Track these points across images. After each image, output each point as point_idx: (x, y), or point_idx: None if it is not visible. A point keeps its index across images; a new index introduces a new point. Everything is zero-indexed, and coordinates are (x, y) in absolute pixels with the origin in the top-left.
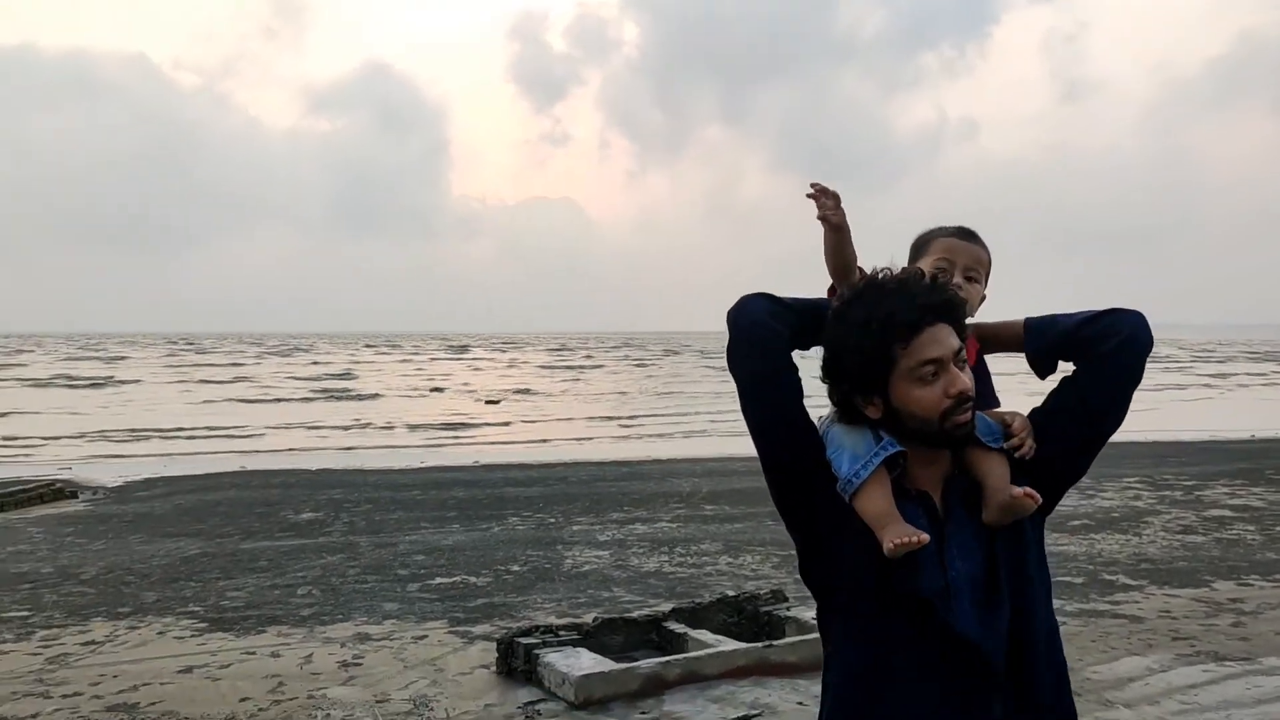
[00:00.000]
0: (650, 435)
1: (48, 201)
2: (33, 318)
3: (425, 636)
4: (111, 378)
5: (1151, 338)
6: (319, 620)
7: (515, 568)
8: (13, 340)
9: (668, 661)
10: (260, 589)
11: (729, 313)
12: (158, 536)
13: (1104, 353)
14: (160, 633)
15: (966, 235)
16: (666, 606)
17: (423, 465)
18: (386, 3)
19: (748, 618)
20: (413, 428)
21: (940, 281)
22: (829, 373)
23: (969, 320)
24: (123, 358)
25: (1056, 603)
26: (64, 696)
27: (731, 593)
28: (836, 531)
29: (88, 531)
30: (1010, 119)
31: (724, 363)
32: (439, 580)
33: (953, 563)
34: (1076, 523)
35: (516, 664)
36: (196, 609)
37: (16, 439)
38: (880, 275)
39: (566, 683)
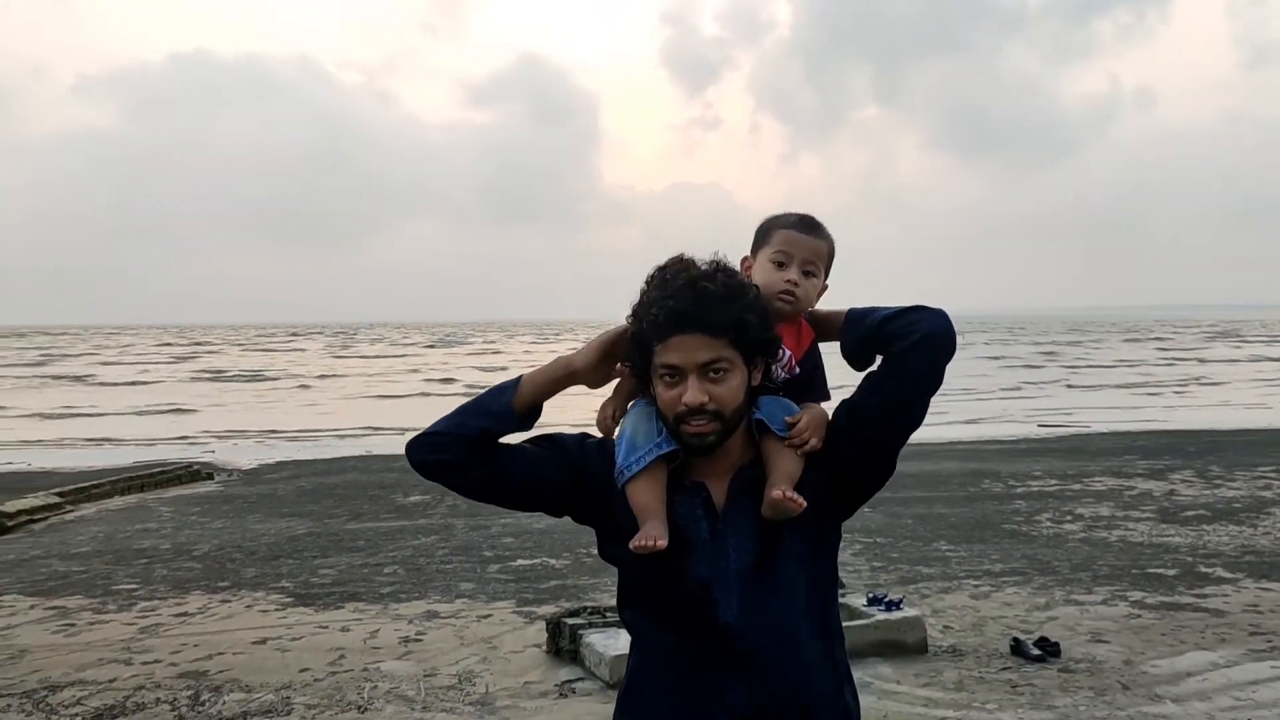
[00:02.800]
0: None
1: (221, 197)
2: (206, 310)
3: (490, 616)
4: (285, 370)
5: (954, 338)
6: (395, 598)
7: (596, 551)
8: (195, 331)
9: None
10: (351, 567)
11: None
12: (273, 517)
13: (900, 351)
14: (248, 606)
15: (807, 227)
16: None
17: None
18: None
19: None
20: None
21: (706, 288)
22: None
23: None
24: (299, 349)
25: (1137, 594)
26: (143, 663)
27: None
28: (616, 520)
29: (211, 511)
30: (1190, 87)
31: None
32: (519, 562)
33: (725, 554)
34: (1190, 513)
35: (563, 644)
36: (287, 585)
37: (189, 428)
38: (668, 269)
39: (602, 662)
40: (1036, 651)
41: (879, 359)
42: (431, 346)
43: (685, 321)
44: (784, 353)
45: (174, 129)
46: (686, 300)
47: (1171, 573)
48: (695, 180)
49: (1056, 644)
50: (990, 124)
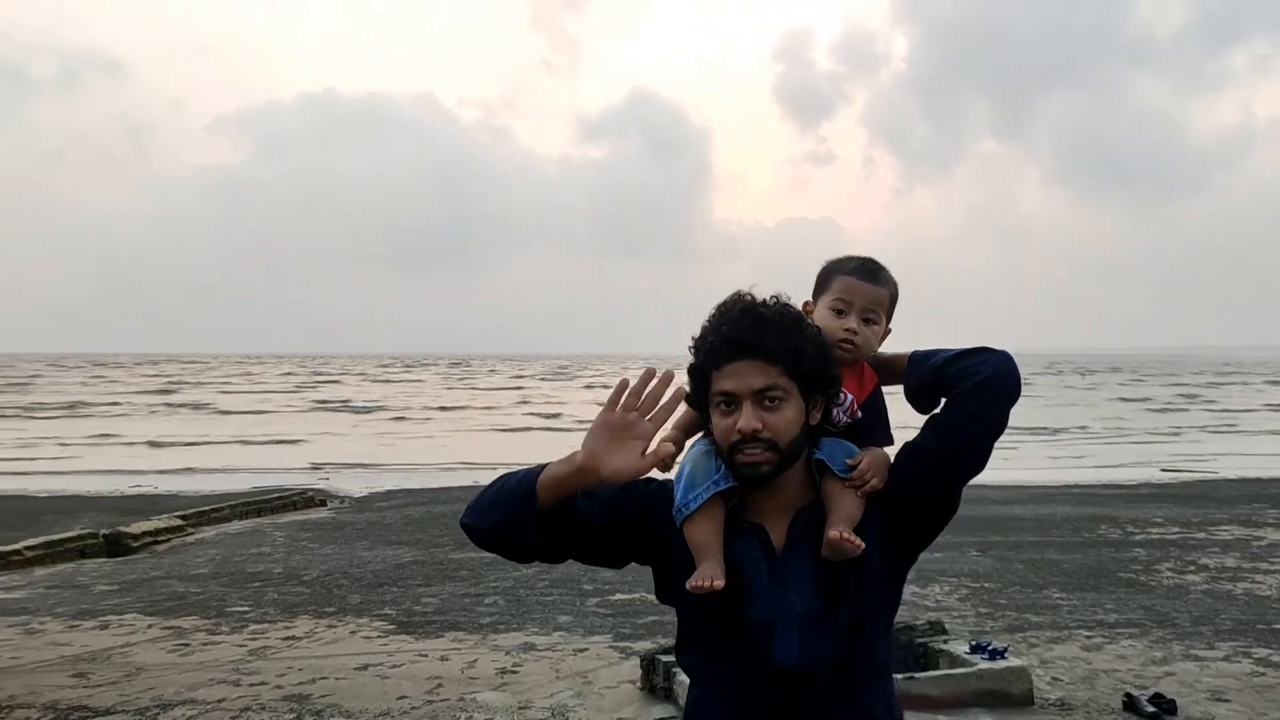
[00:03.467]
0: None
1: (344, 230)
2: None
3: (586, 650)
4: (401, 401)
5: (1018, 380)
6: (494, 629)
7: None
8: (315, 361)
9: None
10: (453, 597)
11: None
12: (380, 544)
13: (962, 393)
14: (352, 632)
15: (867, 274)
16: None
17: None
18: (655, 30)
19: (901, 647)
20: None
21: (761, 314)
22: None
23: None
24: (417, 380)
25: (1262, 651)
26: (250, 685)
27: None
28: (674, 560)
29: (321, 537)
30: None
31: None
32: (618, 596)
33: (785, 595)
34: None
35: (657, 681)
36: (390, 612)
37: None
38: (726, 301)
39: None
40: (1151, 709)
41: (943, 401)
42: (544, 379)
43: (740, 348)
44: (845, 396)
45: (301, 165)
46: (743, 326)
47: None
48: (807, 215)
49: (1173, 701)
50: (1116, 158)
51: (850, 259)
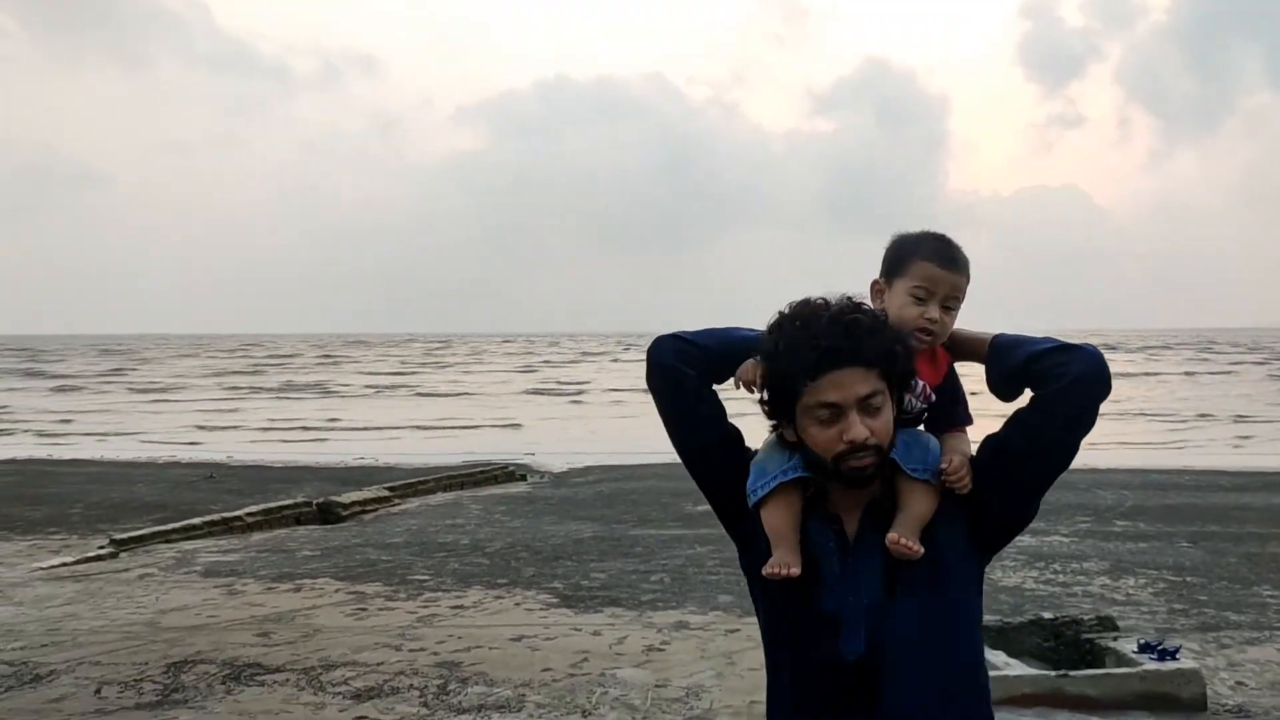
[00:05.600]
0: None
1: (578, 211)
2: (563, 318)
3: (738, 630)
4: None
5: (1108, 379)
6: (654, 606)
7: None
8: (543, 340)
9: None
10: (622, 572)
11: (646, 353)
12: (567, 519)
13: (1053, 392)
14: (517, 604)
15: (950, 263)
16: None
17: None
18: None
19: (1066, 643)
20: None
21: (857, 320)
22: (769, 410)
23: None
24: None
25: None
26: (410, 650)
27: (1048, 615)
28: (754, 535)
29: (513, 510)
30: None
31: None
32: None
33: (853, 588)
34: None
35: None
36: (558, 585)
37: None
38: (802, 307)
39: None
40: None
41: (1027, 392)
42: None
43: (841, 357)
44: (917, 382)
45: (537, 150)
46: (838, 336)
47: None
48: (1047, 183)
49: None
50: None
51: (927, 238)
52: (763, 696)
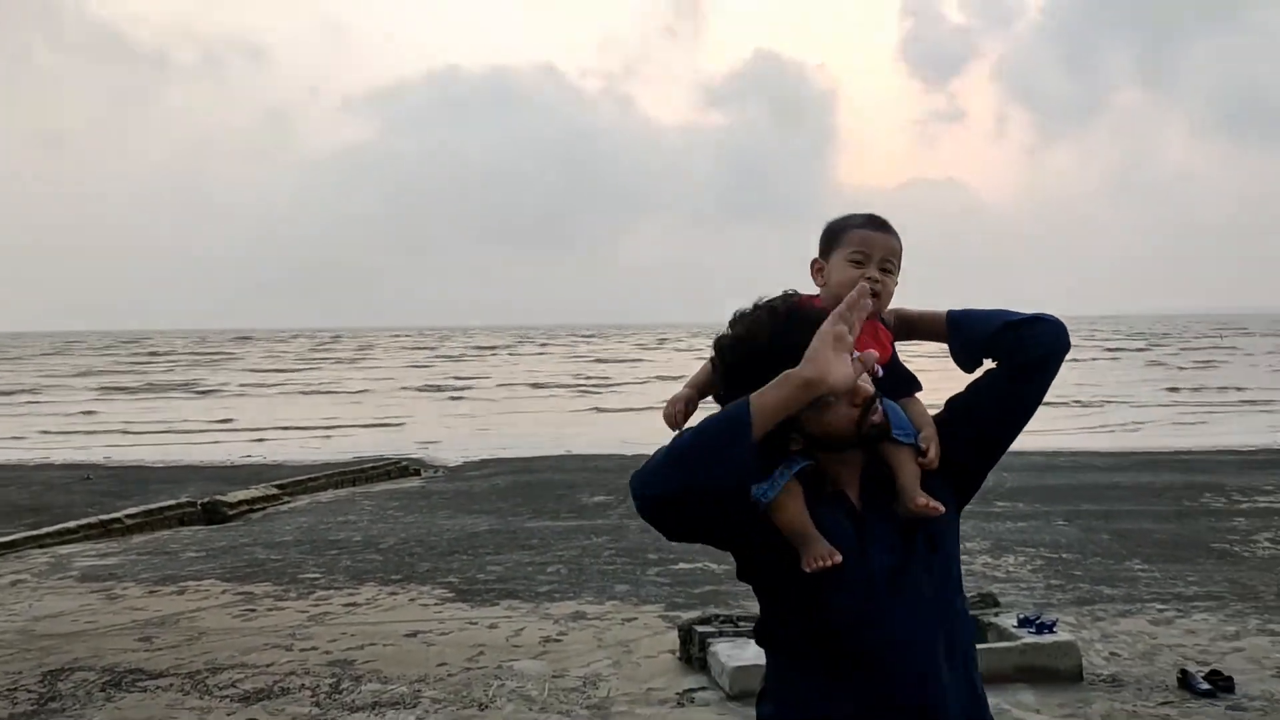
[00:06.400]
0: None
1: (475, 204)
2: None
3: (634, 619)
4: (512, 373)
5: (1067, 348)
6: (550, 597)
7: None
8: (435, 334)
9: None
10: (518, 565)
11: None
12: (462, 513)
13: (1025, 363)
14: (412, 599)
15: (879, 225)
16: None
17: None
18: None
19: None
20: None
21: (793, 310)
22: None
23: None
24: (536, 354)
25: None
26: (301, 650)
27: None
28: (764, 543)
29: (407, 506)
30: None
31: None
32: (680, 565)
33: (874, 556)
34: None
35: (694, 651)
36: (454, 580)
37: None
38: (761, 314)
39: (724, 673)
40: (1205, 686)
41: (985, 363)
42: (646, 345)
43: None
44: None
45: (429, 141)
46: (811, 328)
47: None
48: (931, 176)
49: (1230, 678)
50: (1272, 103)
51: (857, 215)
52: (660, 684)
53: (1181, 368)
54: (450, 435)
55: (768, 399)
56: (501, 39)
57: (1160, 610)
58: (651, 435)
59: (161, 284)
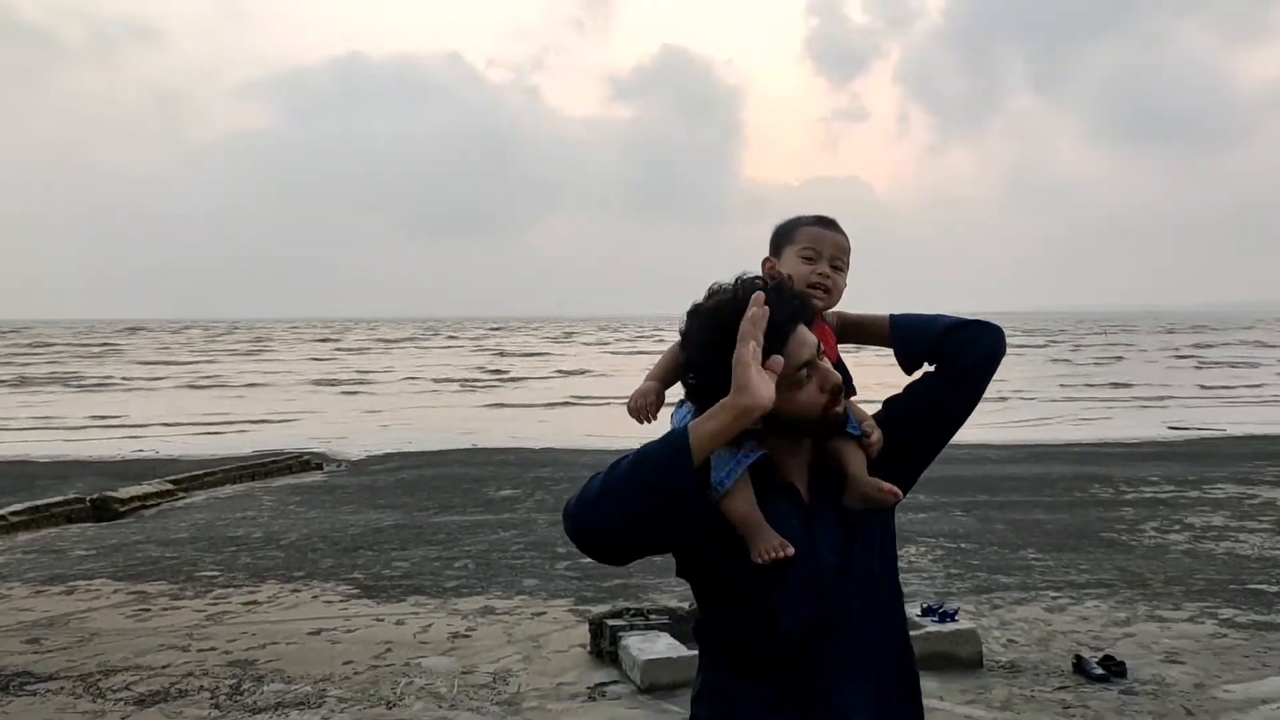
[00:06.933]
0: None
1: (380, 194)
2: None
3: (544, 614)
4: (421, 365)
5: (1005, 349)
6: (458, 593)
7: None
8: (338, 325)
9: None
10: (425, 560)
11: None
12: (366, 508)
13: (966, 365)
14: (315, 596)
15: (829, 224)
16: None
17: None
18: None
19: None
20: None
21: (780, 285)
22: (704, 399)
23: (833, 309)
24: (445, 347)
25: (1229, 612)
26: (199, 650)
27: None
28: (706, 537)
29: (310, 501)
30: None
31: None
32: (589, 560)
33: (822, 549)
34: None
35: (604, 645)
36: (359, 576)
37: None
38: (720, 296)
39: (635, 666)
40: (1099, 670)
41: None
42: (553, 339)
43: (794, 316)
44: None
45: (332, 129)
46: (795, 301)
47: (1274, 589)
48: (833, 174)
49: (1122, 663)
50: (1157, 110)
51: (807, 215)
52: (570, 678)
53: (1080, 364)
54: (353, 429)
55: (707, 428)
56: (406, 26)
57: (1054, 598)
58: (557, 431)
59: (46, 272)
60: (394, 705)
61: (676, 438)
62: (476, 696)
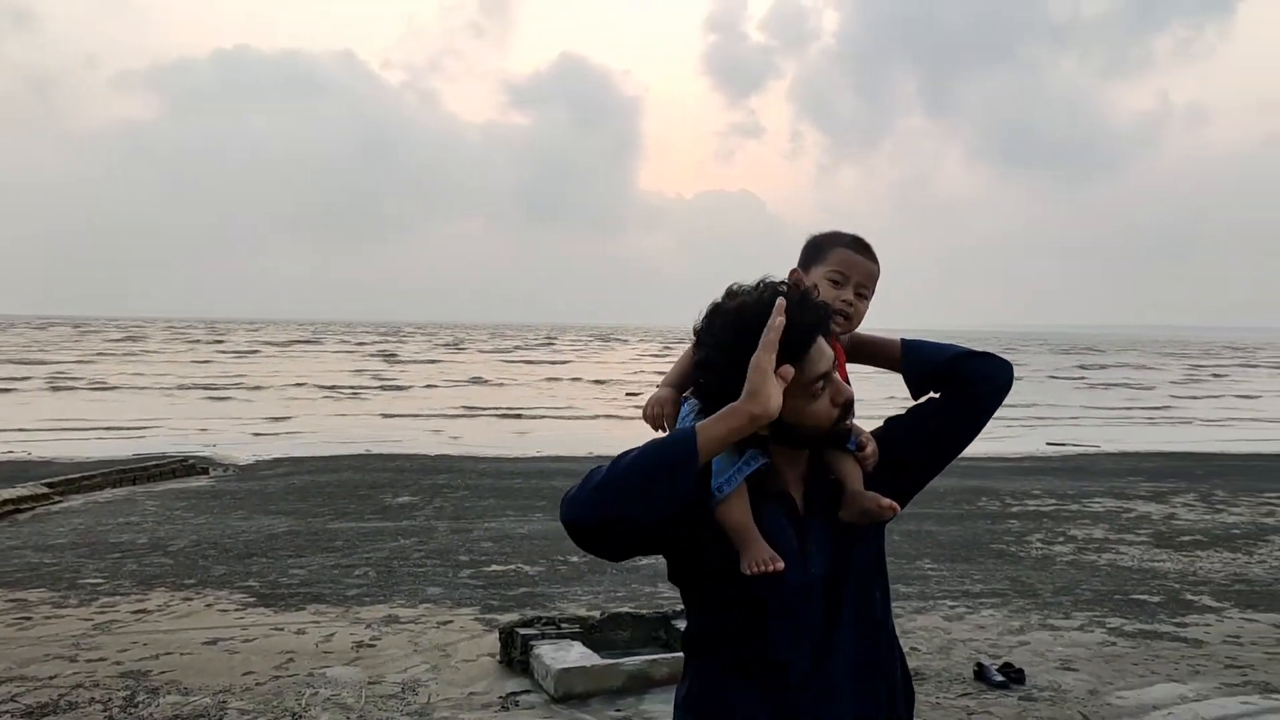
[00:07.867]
0: None
1: (268, 192)
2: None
3: (450, 622)
4: (312, 370)
5: (1012, 381)
6: (359, 601)
7: (574, 559)
8: (221, 325)
9: (655, 660)
10: (323, 568)
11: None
12: (257, 514)
13: (975, 394)
14: (209, 605)
15: (863, 249)
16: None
17: (538, 455)
18: None
19: None
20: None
21: (805, 293)
22: (714, 398)
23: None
24: (338, 351)
25: (1116, 621)
26: (88, 661)
27: None
28: (702, 541)
29: (197, 506)
30: (1247, 107)
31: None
32: (493, 567)
33: (812, 560)
34: (1186, 538)
35: (515, 654)
36: (254, 584)
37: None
38: (743, 298)
39: (549, 675)
40: (999, 678)
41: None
42: (446, 346)
43: (814, 329)
44: None
45: (217, 123)
46: (803, 310)
47: (1155, 599)
48: (726, 188)
49: (1021, 671)
50: (1037, 137)
51: (844, 234)
52: (481, 687)
53: None
54: (239, 434)
55: (715, 431)
56: (295, 22)
57: (952, 607)
58: (451, 438)
59: None
60: (300, 717)
61: (685, 438)
62: (385, 707)
